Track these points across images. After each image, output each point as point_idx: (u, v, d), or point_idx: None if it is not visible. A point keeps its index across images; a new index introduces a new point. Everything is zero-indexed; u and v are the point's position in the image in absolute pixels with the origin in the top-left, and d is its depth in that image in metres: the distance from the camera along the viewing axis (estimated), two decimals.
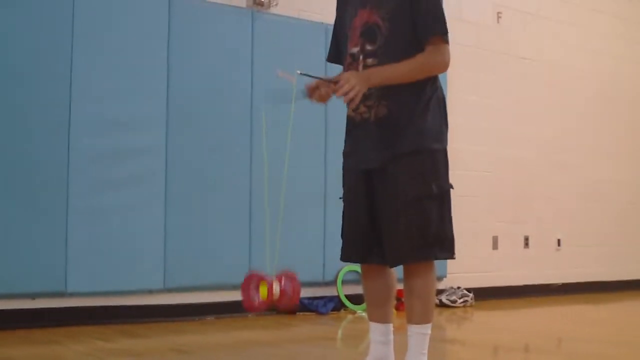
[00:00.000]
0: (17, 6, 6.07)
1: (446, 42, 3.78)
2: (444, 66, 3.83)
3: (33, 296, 6.09)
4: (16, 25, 6.06)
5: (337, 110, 4.14)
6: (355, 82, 3.62)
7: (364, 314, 6.84)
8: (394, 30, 3.76)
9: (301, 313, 7.20)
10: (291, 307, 3.85)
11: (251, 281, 3.87)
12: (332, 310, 7.39)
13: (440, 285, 8.24)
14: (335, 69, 4.08)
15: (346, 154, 3.99)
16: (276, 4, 7.35)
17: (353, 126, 3.90)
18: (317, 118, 7.32)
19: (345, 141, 4.01)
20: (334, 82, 3.69)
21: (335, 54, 4.11)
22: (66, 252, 6.15)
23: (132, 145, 6.48)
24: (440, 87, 3.89)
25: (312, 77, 3.77)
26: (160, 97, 6.66)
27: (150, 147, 6.58)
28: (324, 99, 3.88)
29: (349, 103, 3.71)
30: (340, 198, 4.04)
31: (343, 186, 4.02)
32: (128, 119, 6.48)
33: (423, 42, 3.74)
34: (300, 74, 3.72)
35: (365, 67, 3.80)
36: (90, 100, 6.31)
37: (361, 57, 3.82)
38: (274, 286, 3.79)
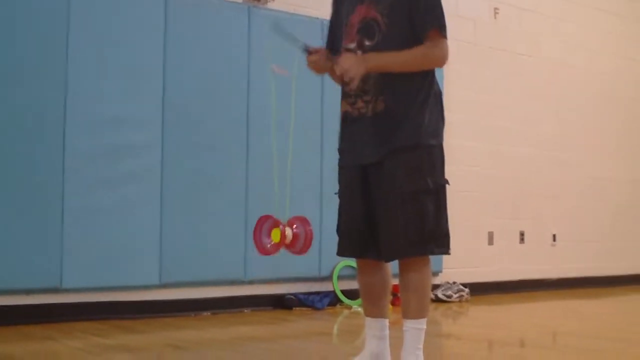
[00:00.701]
0: (13, 4, 6.05)
1: (444, 37, 3.79)
2: (442, 60, 3.84)
3: (28, 292, 6.09)
4: (11, 23, 6.04)
5: (334, 105, 4.14)
6: (354, 61, 3.65)
7: (360, 309, 6.85)
8: (392, 26, 3.77)
9: (297, 308, 7.21)
10: (304, 252, 3.84)
11: (263, 224, 3.85)
12: (328, 306, 7.40)
13: (436, 280, 8.25)
14: None
15: (342, 150, 4.00)
16: (272, 0, 7.35)
17: (350, 121, 3.90)
18: (313, 113, 7.32)
19: (341, 137, 4.01)
20: (335, 60, 3.73)
21: (331, 50, 4.11)
22: (61, 248, 6.14)
23: (128, 143, 6.47)
24: (437, 83, 3.90)
25: (313, 50, 3.81)
26: (156, 94, 6.65)
27: (146, 145, 6.57)
28: (320, 68, 3.93)
29: (345, 87, 3.76)
30: (335, 193, 4.05)
31: (339, 182, 4.02)
32: (124, 116, 6.47)
33: (421, 36, 3.75)
34: (304, 49, 3.74)
35: (363, 54, 3.81)
36: (85, 97, 6.30)
37: (359, 53, 3.83)
38: (286, 230, 3.77)
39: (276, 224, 3.82)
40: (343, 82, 3.84)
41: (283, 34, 3.85)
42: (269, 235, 3.83)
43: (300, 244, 3.82)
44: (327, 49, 4.11)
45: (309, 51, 3.94)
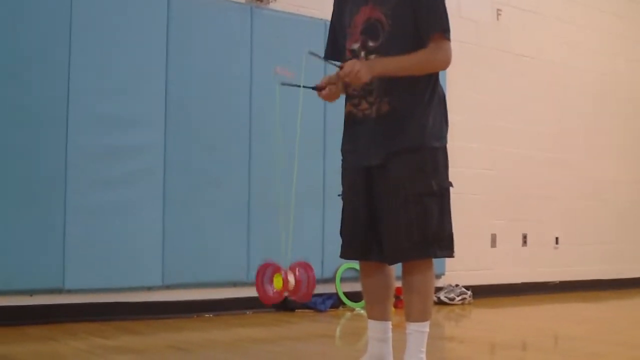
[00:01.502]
0: (16, 2, 6.06)
1: (448, 39, 3.80)
2: (446, 63, 3.84)
3: (31, 293, 6.09)
4: (14, 21, 6.04)
5: (336, 107, 4.14)
6: (360, 67, 3.66)
7: (363, 312, 6.84)
8: (396, 27, 3.77)
9: (300, 310, 7.20)
10: (307, 297, 3.82)
11: (265, 271, 3.84)
12: (330, 308, 7.40)
13: (439, 283, 8.25)
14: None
15: (345, 151, 4.00)
16: (275, 0, 7.35)
17: (353, 123, 3.91)
18: (316, 115, 7.32)
19: (344, 138, 4.01)
20: (340, 66, 3.74)
21: (333, 51, 4.12)
22: (64, 249, 6.14)
23: (131, 143, 6.48)
24: (440, 85, 3.91)
25: (318, 57, 3.83)
26: (158, 94, 6.65)
27: (149, 145, 6.57)
28: (332, 97, 3.95)
29: (349, 93, 3.79)
30: (338, 195, 4.05)
31: (342, 183, 4.02)
32: (126, 116, 6.47)
33: (425, 39, 3.75)
34: (309, 53, 3.76)
35: (368, 59, 3.82)
36: (88, 97, 6.30)
37: (363, 54, 3.84)
38: (289, 277, 3.76)
39: (277, 270, 3.79)
40: (347, 86, 3.85)
41: (291, 85, 3.87)
42: (270, 282, 3.81)
43: (303, 290, 3.78)
44: (327, 50, 4.12)
45: (318, 88, 3.96)
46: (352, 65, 3.69)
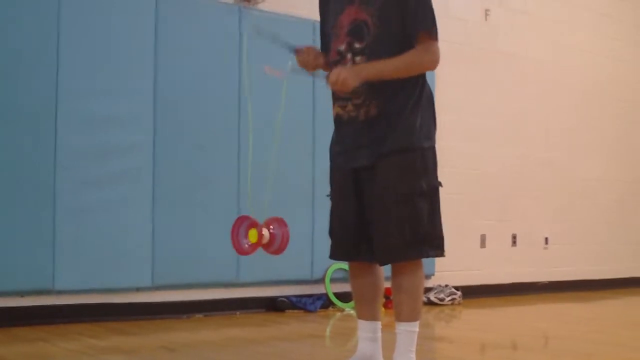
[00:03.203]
0: (3, 2, 6.05)
1: (435, 39, 3.79)
2: (434, 64, 3.84)
3: (21, 294, 6.08)
4: (1, 21, 6.04)
5: (325, 107, 4.14)
6: (347, 75, 3.66)
7: (352, 312, 6.85)
8: (382, 28, 3.77)
9: (290, 310, 7.21)
10: (280, 252, 3.89)
11: (241, 225, 3.90)
12: (320, 308, 7.40)
13: (429, 283, 8.26)
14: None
15: (334, 152, 4.00)
16: (264, 0, 7.35)
17: (341, 124, 3.91)
18: (305, 115, 7.33)
19: (333, 139, 4.02)
20: (326, 76, 3.75)
21: (326, 51, 4.11)
22: (54, 250, 6.14)
23: (120, 142, 6.47)
24: (428, 85, 3.91)
25: (301, 49, 3.85)
26: (147, 93, 6.65)
27: (138, 144, 6.57)
28: (310, 67, 3.95)
29: (337, 94, 3.80)
30: (327, 196, 4.05)
31: (330, 184, 4.02)
32: (115, 115, 6.46)
33: (412, 39, 3.75)
34: (292, 69, 3.77)
35: (354, 64, 3.82)
36: (76, 96, 6.29)
37: (349, 55, 3.83)
38: (263, 231, 3.82)
39: (253, 224, 3.86)
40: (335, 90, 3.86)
41: (267, 35, 3.87)
42: (246, 235, 3.88)
43: (277, 244, 3.86)
44: (322, 51, 4.11)
45: (296, 51, 3.96)
46: (337, 74, 3.69)
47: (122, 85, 6.53)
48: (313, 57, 3.98)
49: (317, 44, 4.14)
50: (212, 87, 6.97)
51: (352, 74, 3.69)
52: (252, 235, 3.85)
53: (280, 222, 3.88)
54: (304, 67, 4.01)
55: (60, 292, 6.22)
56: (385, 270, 3.94)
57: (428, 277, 8.18)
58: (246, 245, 3.89)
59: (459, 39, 8.98)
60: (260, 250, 3.97)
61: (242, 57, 7.02)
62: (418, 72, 3.83)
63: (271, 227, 3.86)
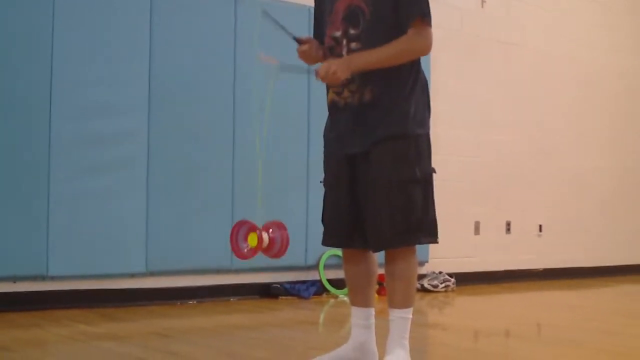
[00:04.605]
0: None
1: (428, 24, 3.78)
2: (426, 49, 3.83)
3: (14, 279, 6.08)
4: None
5: (320, 94, 4.13)
6: (336, 67, 3.66)
7: (346, 299, 6.86)
8: (377, 13, 3.76)
9: (283, 297, 7.21)
10: (279, 256, 3.89)
11: (240, 229, 3.89)
12: (314, 295, 7.41)
13: (422, 270, 8.27)
14: None
15: (328, 139, 4.00)
16: None
17: (336, 110, 3.90)
18: (299, 101, 7.31)
19: (327, 125, 4.01)
20: (315, 71, 3.75)
21: (320, 38, 4.10)
22: (47, 236, 6.14)
23: (114, 130, 6.46)
24: (423, 72, 3.90)
25: (273, 19, 3.86)
26: (142, 82, 6.63)
27: (132, 132, 6.56)
28: (310, 58, 3.95)
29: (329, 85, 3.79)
30: (320, 182, 4.05)
31: (324, 170, 4.02)
32: (110, 103, 6.46)
33: (405, 25, 3.74)
34: (264, 12, 3.80)
35: (350, 51, 3.81)
36: (71, 85, 6.28)
37: (344, 41, 3.83)
38: (263, 234, 3.82)
39: (253, 228, 3.85)
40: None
41: (273, 22, 3.88)
42: (245, 239, 3.87)
43: (276, 248, 3.85)
44: (315, 38, 4.11)
45: (298, 41, 3.96)
46: (327, 67, 3.69)
47: (116, 74, 6.51)
48: (315, 49, 3.97)
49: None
50: (207, 76, 6.96)
51: (342, 66, 3.69)
52: (252, 239, 3.84)
53: (280, 225, 3.87)
54: (303, 59, 4.01)
55: (53, 278, 6.22)
56: (379, 256, 3.94)
57: (422, 264, 8.19)
58: (246, 250, 3.88)
59: (454, 26, 8.97)
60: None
61: (237, 45, 7.02)
62: (411, 59, 3.81)
63: (270, 230, 3.85)
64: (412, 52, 3.80)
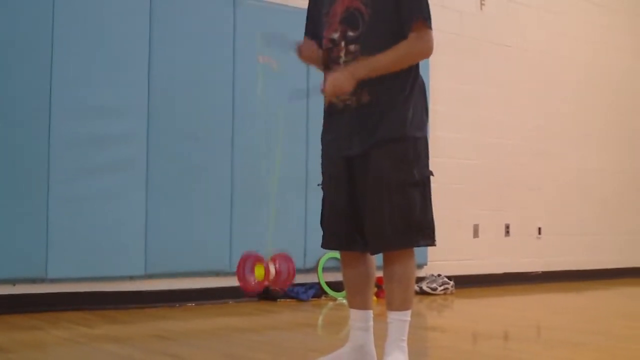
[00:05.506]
0: None
1: (429, 27, 3.78)
2: (428, 52, 3.84)
3: (14, 282, 6.09)
4: None
5: (318, 96, 4.14)
6: (341, 80, 3.67)
7: (345, 301, 6.85)
8: (376, 16, 3.76)
9: (282, 300, 7.21)
10: (286, 287, 3.91)
11: (247, 262, 3.89)
12: (312, 297, 7.41)
13: (421, 273, 8.27)
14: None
15: (326, 141, 4.00)
16: None
17: (334, 112, 3.90)
18: (299, 103, 7.32)
19: (325, 127, 4.01)
20: (322, 88, 3.76)
21: (313, 38, 4.09)
22: (47, 238, 6.15)
23: (113, 132, 6.48)
24: (421, 74, 3.91)
25: (301, 95, 3.90)
26: (141, 83, 6.65)
27: (132, 134, 6.57)
28: (310, 59, 3.96)
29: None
30: (318, 185, 4.05)
31: (322, 173, 4.02)
32: (109, 105, 6.47)
33: (405, 28, 3.75)
34: (290, 97, 3.84)
35: (348, 53, 3.81)
36: (71, 86, 6.30)
37: (342, 43, 3.83)
38: (270, 267, 3.82)
39: (259, 260, 3.86)
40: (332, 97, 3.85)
41: (274, 42, 3.89)
42: (252, 271, 3.87)
43: (282, 280, 3.86)
44: (306, 37, 4.11)
45: (297, 46, 3.98)
46: (332, 81, 3.70)
47: (116, 76, 6.53)
48: (309, 52, 3.99)
49: None
50: (206, 77, 6.97)
51: (347, 78, 3.70)
52: (259, 272, 3.85)
53: (286, 258, 3.88)
54: (303, 61, 4.03)
55: (53, 281, 6.23)
56: (377, 259, 3.94)
57: (421, 266, 8.19)
58: (253, 283, 3.89)
59: (454, 29, 8.98)
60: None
61: (236, 46, 7.02)
62: (413, 62, 3.82)
63: (277, 263, 3.86)
64: (415, 56, 3.80)
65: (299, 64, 4.11)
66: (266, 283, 3.85)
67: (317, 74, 4.07)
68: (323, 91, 3.76)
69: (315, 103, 5.50)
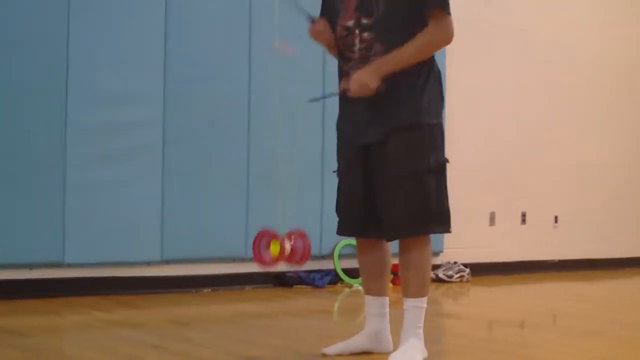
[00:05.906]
0: None
1: (448, 13, 3.78)
2: (449, 39, 3.84)
3: (30, 267, 6.11)
4: None
5: (335, 81, 4.13)
6: (367, 79, 3.67)
7: (361, 288, 6.86)
8: (391, 3, 3.76)
9: (298, 286, 7.22)
10: (302, 263, 3.90)
11: (262, 238, 3.90)
12: (328, 284, 7.40)
13: (437, 261, 8.25)
14: None
15: (342, 128, 4.00)
16: None
17: (350, 100, 3.89)
18: (314, 88, 7.28)
19: (340, 115, 4.02)
20: (342, 90, 3.77)
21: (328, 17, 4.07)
22: (64, 223, 6.16)
23: (130, 119, 6.48)
24: (436, 62, 3.90)
25: (324, 97, 3.89)
26: (157, 70, 6.64)
27: (148, 120, 6.57)
28: (322, 39, 3.94)
29: (344, 70, 3.82)
30: (334, 172, 4.06)
31: (338, 160, 4.03)
32: (125, 92, 6.47)
33: (424, 15, 3.73)
34: (311, 100, 3.84)
35: (362, 41, 3.81)
36: (87, 73, 6.30)
37: (357, 31, 3.83)
38: (285, 244, 3.82)
39: (274, 237, 3.86)
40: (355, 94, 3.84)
41: (290, 2, 3.88)
42: (268, 248, 3.88)
43: (298, 256, 3.86)
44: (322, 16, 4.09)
45: (312, 21, 3.96)
46: (357, 81, 3.71)
47: (132, 62, 6.53)
48: (328, 31, 3.97)
49: None
50: (222, 63, 6.96)
51: (372, 75, 3.70)
52: (274, 248, 3.85)
53: (302, 234, 3.88)
54: (315, 38, 4.01)
55: (70, 266, 6.24)
56: (393, 245, 3.95)
57: (437, 254, 8.17)
58: (268, 259, 3.90)
59: (470, 15, 8.93)
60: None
61: (252, 33, 7.01)
62: (435, 51, 3.84)
63: (292, 239, 3.86)
64: (436, 45, 3.81)
65: (315, 53, 4.10)
66: (282, 259, 3.86)
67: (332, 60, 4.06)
68: (348, 90, 3.76)
69: (331, 87, 5.51)
